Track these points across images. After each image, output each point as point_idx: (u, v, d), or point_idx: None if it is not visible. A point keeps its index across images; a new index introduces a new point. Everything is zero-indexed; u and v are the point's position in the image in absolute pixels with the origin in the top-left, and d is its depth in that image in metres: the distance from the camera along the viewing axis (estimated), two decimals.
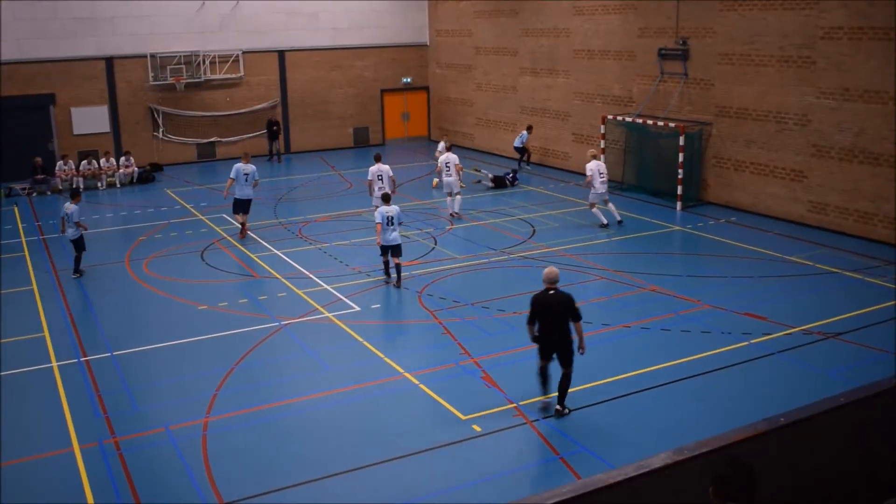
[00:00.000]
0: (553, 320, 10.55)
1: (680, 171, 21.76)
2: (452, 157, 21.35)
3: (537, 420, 10.61)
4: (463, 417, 10.76)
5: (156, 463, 9.94)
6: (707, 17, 21.82)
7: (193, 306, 15.40)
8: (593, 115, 25.83)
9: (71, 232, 17.23)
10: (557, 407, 10.76)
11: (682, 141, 21.53)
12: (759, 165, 20.94)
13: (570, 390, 10.85)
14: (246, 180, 19.67)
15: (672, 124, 22.26)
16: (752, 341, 13.04)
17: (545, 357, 10.77)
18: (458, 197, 21.43)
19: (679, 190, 21.89)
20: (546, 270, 10.73)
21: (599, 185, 19.75)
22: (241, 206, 19.84)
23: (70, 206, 17.30)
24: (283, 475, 9.52)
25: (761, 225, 20.12)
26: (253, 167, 19.90)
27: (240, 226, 19.99)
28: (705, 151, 22.28)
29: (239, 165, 19.75)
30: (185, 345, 13.63)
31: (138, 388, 12.09)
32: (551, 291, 10.56)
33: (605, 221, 19.87)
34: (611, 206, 20.03)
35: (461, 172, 21.45)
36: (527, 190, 24.68)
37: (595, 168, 19.74)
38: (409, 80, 34.38)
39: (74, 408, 11.41)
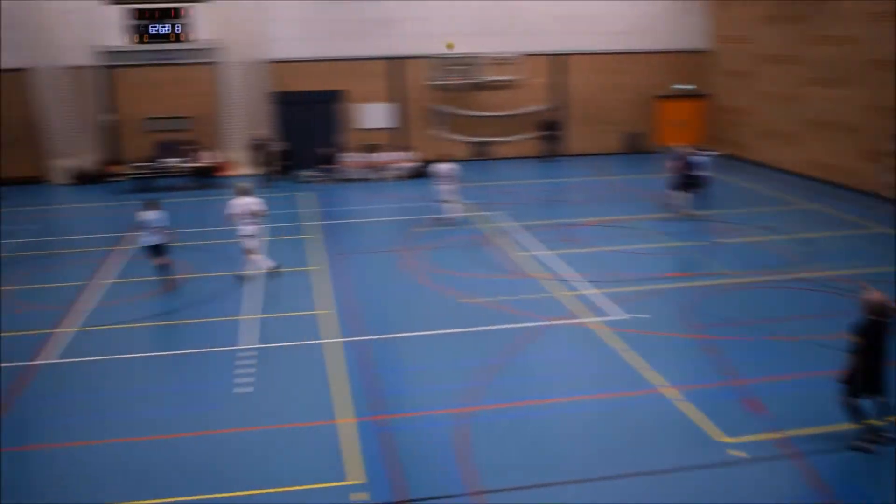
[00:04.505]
0: (888, 349, 9.70)
1: None
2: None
3: (811, 453, 9.70)
4: (719, 440, 10.08)
5: (412, 443, 10.14)
6: None
7: (454, 298, 15.68)
8: (890, 131, 23.45)
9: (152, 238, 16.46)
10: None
11: None
12: None
13: (844, 427, 9.96)
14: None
15: None
16: None
17: (870, 393, 9.76)
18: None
19: None
20: (874, 296, 9.65)
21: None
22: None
23: (147, 215, 16.40)
24: (526, 473, 9.39)
25: None
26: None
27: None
28: None
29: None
30: (444, 335, 13.86)
31: (396, 371, 12.45)
32: (889, 318, 9.63)
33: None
34: None
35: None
36: (807, 208, 22.93)
37: None
38: (686, 86, 33.15)
39: (337, 383, 11.94)
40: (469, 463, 9.64)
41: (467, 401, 11.30)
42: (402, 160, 29.10)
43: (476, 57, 30.93)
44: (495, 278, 16.92)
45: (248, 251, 17.13)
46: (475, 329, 14.04)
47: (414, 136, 31.25)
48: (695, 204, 21.79)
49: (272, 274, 17.13)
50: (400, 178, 28.62)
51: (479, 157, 31.89)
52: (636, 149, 33.13)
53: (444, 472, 9.46)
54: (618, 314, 14.54)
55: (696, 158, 22.16)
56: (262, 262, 17.16)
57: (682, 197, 21.79)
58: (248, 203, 17.02)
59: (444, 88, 31.22)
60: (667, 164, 22.87)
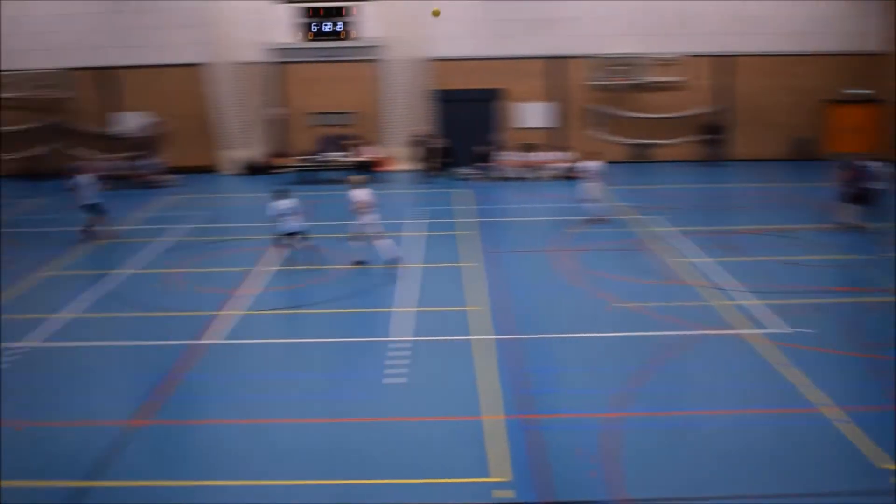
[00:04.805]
0: None
1: None
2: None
3: None
4: (883, 467, 9.47)
5: (558, 445, 10.07)
6: None
7: (607, 301, 15.48)
8: None
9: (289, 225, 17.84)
10: None
11: None
12: None
13: None
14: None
15: None
16: None
17: None
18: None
19: None
20: None
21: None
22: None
23: (281, 203, 17.81)
24: (673, 485, 9.17)
25: None
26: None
27: None
28: None
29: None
30: (596, 338, 13.70)
31: (545, 371, 12.40)
32: None
33: None
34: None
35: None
36: None
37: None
38: (861, 91, 31.40)
39: (485, 380, 12.01)
40: (616, 470, 9.50)
41: (616, 406, 11.14)
42: (559, 160, 28.96)
43: (638, 57, 30.42)
44: (650, 283, 16.59)
45: (373, 238, 17.89)
46: (627, 334, 13.81)
47: (572, 136, 31.03)
48: (866, 216, 20.62)
49: (360, 263, 17.96)
50: (556, 178, 28.49)
51: (637, 159, 31.36)
52: (804, 155, 31.70)
53: (590, 477, 9.37)
54: (779, 327, 13.95)
55: (868, 168, 20.94)
56: (390, 248, 17.94)
57: (852, 208, 20.66)
58: (364, 195, 17.86)
59: (605, 89, 30.86)
60: (836, 173, 21.75)
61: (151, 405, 11.52)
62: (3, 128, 31.37)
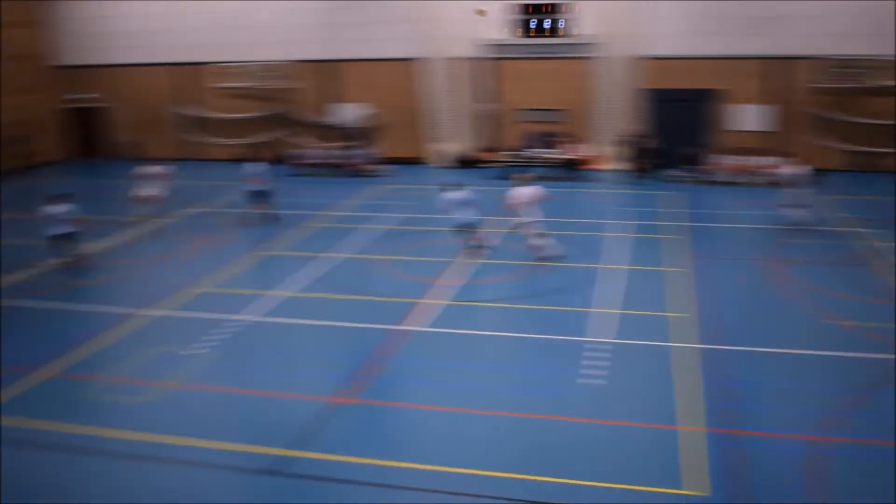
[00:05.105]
0: None
1: None
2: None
3: None
4: None
5: (758, 464, 9.71)
6: None
7: (819, 317, 14.67)
8: None
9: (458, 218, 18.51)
10: None
11: None
12: None
13: None
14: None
15: None
16: None
17: None
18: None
19: None
20: None
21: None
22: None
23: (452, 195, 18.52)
24: None
25: None
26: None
27: None
28: None
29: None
30: (807, 356, 13.02)
31: (749, 385, 11.94)
32: None
33: None
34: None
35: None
36: None
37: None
38: None
39: (683, 389, 11.72)
40: (823, 497, 9.01)
41: (826, 429, 10.56)
42: (774, 165, 27.61)
43: (869, 59, 28.45)
44: (868, 301, 15.56)
45: (532, 236, 18.11)
46: (841, 354, 13.03)
47: (791, 141, 29.50)
48: None
49: (555, 260, 18.03)
50: (771, 183, 27.20)
51: (863, 168, 29.34)
52: None
53: (792, 501, 8.94)
54: None
55: None
56: (548, 249, 18.06)
57: None
58: (526, 193, 18.14)
59: (830, 92, 29.10)
60: None
61: (356, 384, 12.06)
62: (233, 115, 33.67)
